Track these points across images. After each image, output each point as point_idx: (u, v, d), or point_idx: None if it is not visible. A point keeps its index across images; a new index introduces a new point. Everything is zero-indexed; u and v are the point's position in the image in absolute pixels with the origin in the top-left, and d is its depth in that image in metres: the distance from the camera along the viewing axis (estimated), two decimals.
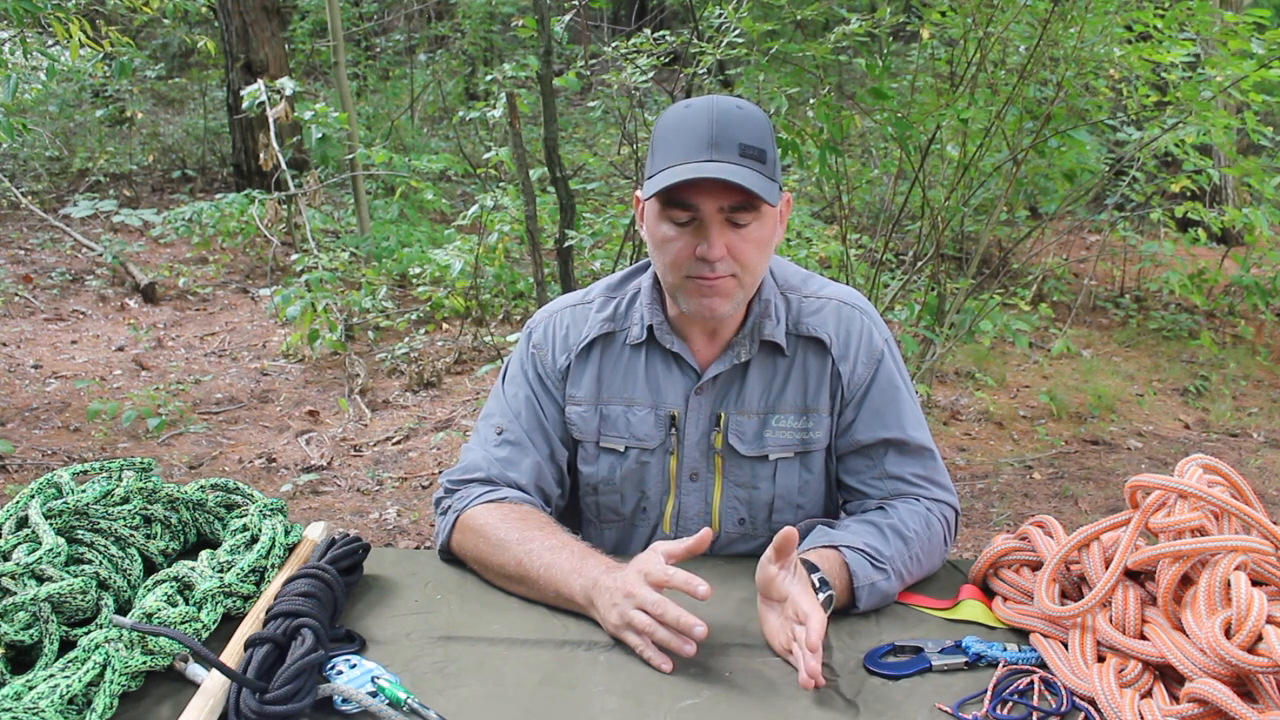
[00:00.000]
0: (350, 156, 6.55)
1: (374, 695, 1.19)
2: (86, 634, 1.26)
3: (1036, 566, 1.43)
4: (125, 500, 1.50)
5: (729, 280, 1.50)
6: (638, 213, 1.63)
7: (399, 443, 4.76)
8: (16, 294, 6.76)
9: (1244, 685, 1.15)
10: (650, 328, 1.64)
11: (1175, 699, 1.19)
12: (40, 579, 1.31)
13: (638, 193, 1.63)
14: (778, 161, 1.51)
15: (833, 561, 1.41)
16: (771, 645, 1.33)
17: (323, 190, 7.68)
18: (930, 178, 4.39)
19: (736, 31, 3.87)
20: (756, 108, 1.53)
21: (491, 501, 1.57)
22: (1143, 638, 1.25)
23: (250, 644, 1.24)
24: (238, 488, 1.64)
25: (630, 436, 1.65)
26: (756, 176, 1.43)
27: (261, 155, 6.39)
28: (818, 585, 1.34)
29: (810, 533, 1.53)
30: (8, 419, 4.89)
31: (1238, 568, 1.22)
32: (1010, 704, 1.22)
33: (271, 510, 1.57)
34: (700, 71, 3.96)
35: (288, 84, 5.91)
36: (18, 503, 1.47)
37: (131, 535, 1.46)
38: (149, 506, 1.52)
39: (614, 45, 4.20)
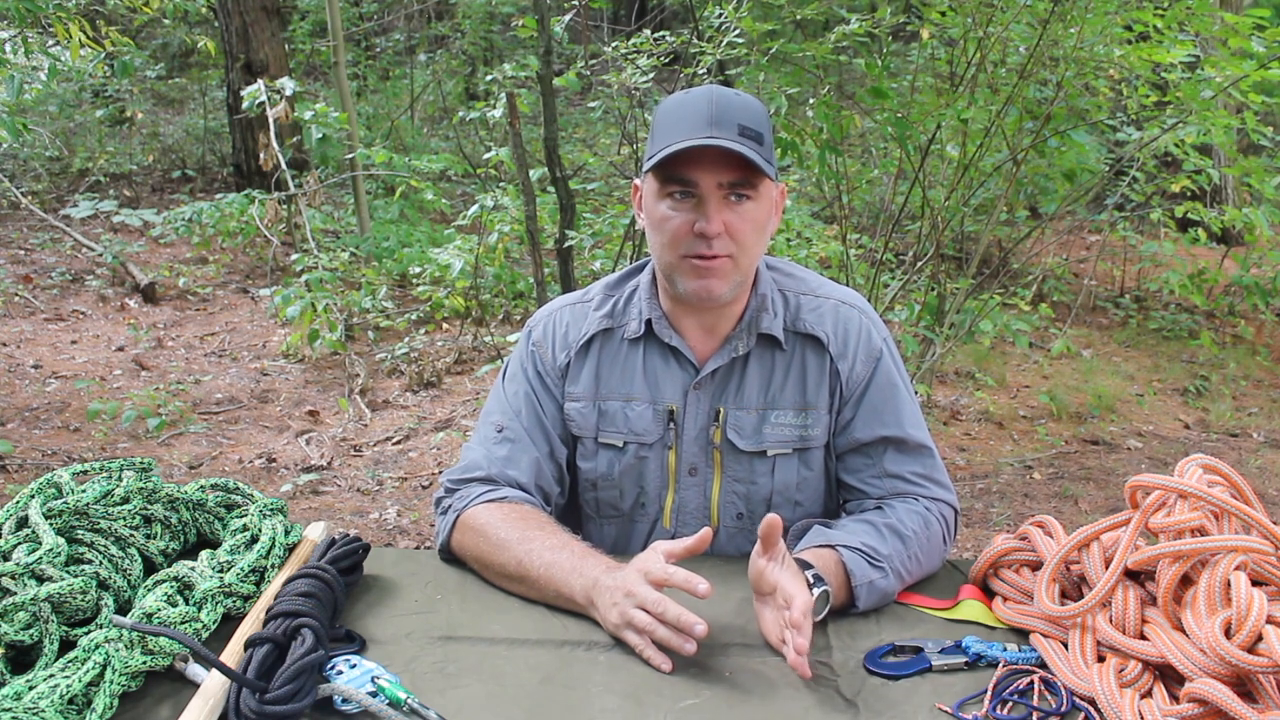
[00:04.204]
0: (350, 156, 6.55)
1: (374, 695, 1.19)
2: (86, 634, 1.26)
3: (1036, 566, 1.43)
4: (125, 500, 1.50)
5: (726, 260, 1.51)
6: (636, 202, 1.64)
7: (399, 443, 4.76)
8: (16, 294, 6.76)
9: (1244, 685, 1.15)
10: (649, 322, 1.64)
11: (1175, 699, 1.19)
12: (40, 579, 1.31)
13: (636, 180, 1.63)
14: (774, 149, 1.53)
15: (828, 560, 1.41)
16: (768, 640, 1.33)
17: (323, 190, 7.68)
18: (930, 178, 4.39)
19: (736, 31, 3.87)
20: (754, 98, 1.54)
21: (492, 501, 1.57)
22: (1143, 638, 1.25)
23: (250, 644, 1.24)
24: (238, 488, 1.64)
25: (629, 431, 1.65)
26: (755, 154, 1.45)
27: (261, 155, 6.39)
28: (811, 581, 1.34)
29: (807, 533, 1.53)
30: (8, 419, 4.89)
31: (1238, 568, 1.22)
32: (1010, 704, 1.22)
33: (271, 510, 1.57)
34: (700, 72, 3.96)
35: (288, 84, 5.91)
36: (18, 503, 1.47)
37: (131, 535, 1.46)
38: (149, 506, 1.52)
39: (614, 45, 4.20)
